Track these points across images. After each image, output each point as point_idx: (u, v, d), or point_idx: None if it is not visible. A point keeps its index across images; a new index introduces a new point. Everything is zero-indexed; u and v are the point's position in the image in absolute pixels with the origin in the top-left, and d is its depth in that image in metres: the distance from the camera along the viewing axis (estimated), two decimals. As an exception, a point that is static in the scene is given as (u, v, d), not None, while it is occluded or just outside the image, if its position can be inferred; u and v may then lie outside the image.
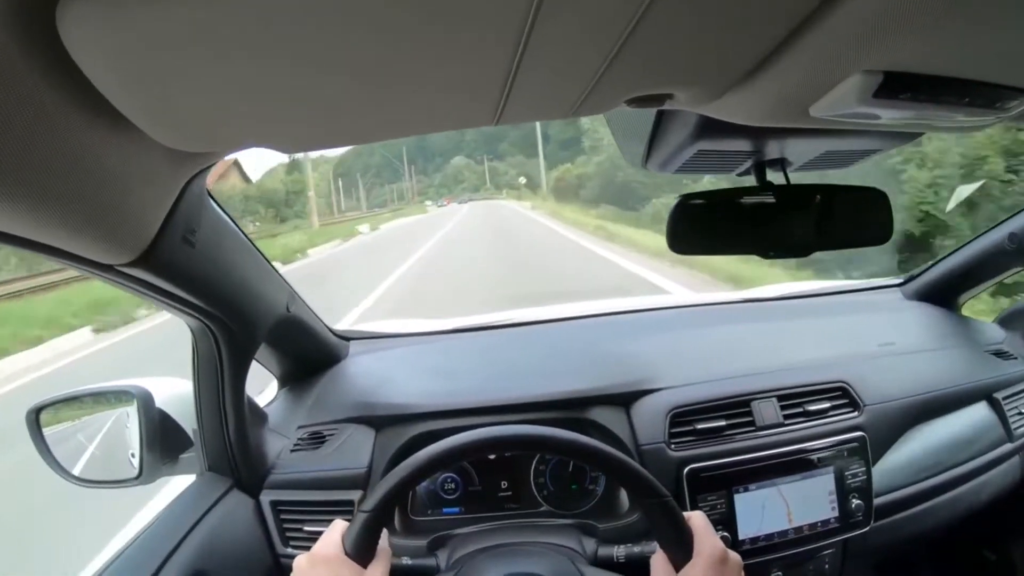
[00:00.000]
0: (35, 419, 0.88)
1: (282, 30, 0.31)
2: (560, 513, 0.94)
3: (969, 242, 1.26)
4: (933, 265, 1.33)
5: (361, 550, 0.59)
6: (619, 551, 0.74)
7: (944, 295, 1.31)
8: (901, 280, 1.40)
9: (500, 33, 0.34)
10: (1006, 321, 1.31)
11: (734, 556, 0.61)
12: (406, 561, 0.74)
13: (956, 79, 0.45)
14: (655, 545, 0.63)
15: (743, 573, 0.61)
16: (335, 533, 0.60)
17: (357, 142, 0.50)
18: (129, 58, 0.33)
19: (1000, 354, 1.19)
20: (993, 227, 1.22)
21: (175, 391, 0.91)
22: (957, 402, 1.09)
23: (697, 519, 0.63)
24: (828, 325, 1.22)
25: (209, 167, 0.56)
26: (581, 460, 0.81)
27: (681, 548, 0.60)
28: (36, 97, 0.34)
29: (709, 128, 0.63)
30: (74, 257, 0.50)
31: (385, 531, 0.62)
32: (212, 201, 0.65)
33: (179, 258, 0.59)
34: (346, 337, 1.21)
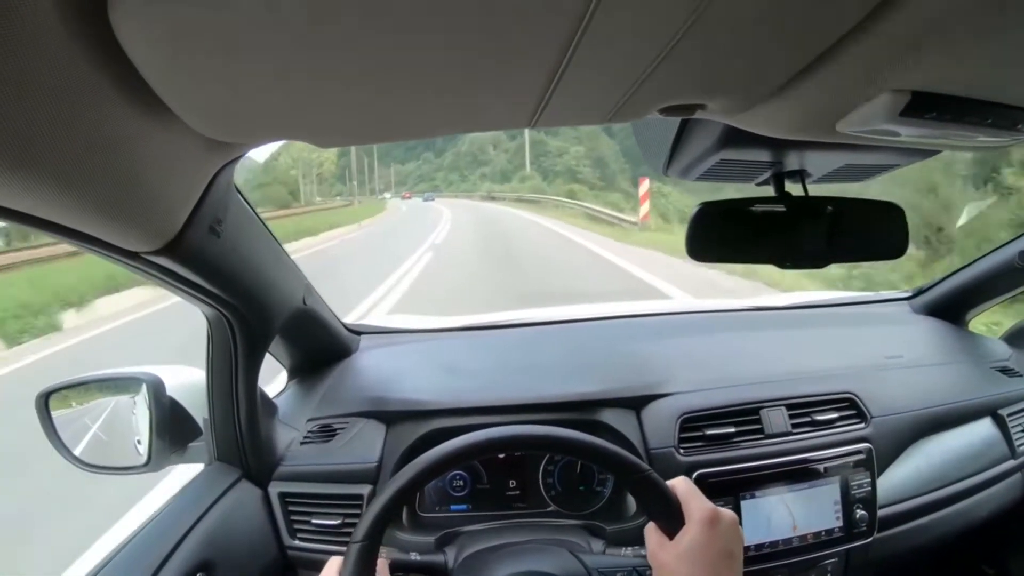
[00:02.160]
0: (44, 404, 0.88)
1: (328, 23, 0.32)
2: (567, 514, 0.94)
3: (979, 259, 1.27)
4: (942, 280, 1.34)
5: None
6: (626, 553, 0.75)
7: (952, 310, 1.32)
8: (909, 294, 1.41)
9: (551, 37, 0.34)
10: (1013, 339, 1.31)
11: (727, 514, 0.60)
12: (414, 557, 0.74)
13: (981, 101, 0.45)
14: None
15: (740, 529, 0.61)
16: (331, 571, 0.60)
17: (392, 139, 0.50)
18: (176, 44, 0.33)
19: (1006, 371, 1.20)
20: (1003, 245, 1.22)
21: (185, 379, 0.91)
22: (962, 417, 1.09)
23: (681, 485, 0.63)
24: (837, 336, 1.23)
25: (239, 157, 0.56)
26: (556, 451, 0.81)
27: (671, 517, 0.60)
28: (80, 81, 0.34)
29: (733, 138, 0.64)
30: (101, 243, 0.50)
31: (381, 559, 0.62)
32: (237, 191, 0.66)
33: (205, 248, 0.59)
34: (357, 331, 1.21)
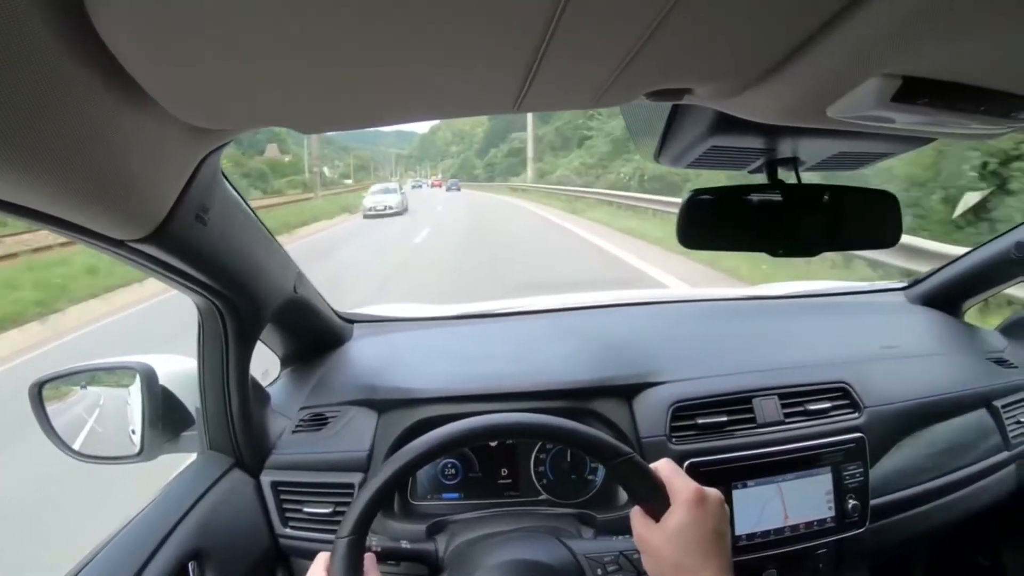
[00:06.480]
0: (37, 393, 0.88)
1: (308, 6, 0.31)
2: (559, 502, 0.94)
3: (975, 249, 1.26)
4: (938, 271, 1.33)
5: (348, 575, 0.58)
6: (615, 540, 0.75)
7: (948, 301, 1.31)
8: (905, 284, 1.40)
9: (531, 16, 0.33)
10: (1008, 330, 1.31)
11: (712, 492, 0.60)
12: (405, 545, 0.74)
13: (973, 87, 0.45)
14: None
15: (726, 507, 0.61)
16: (318, 567, 0.60)
17: (376, 124, 0.50)
18: (153, 30, 0.32)
19: (1001, 362, 1.19)
20: (1000, 235, 1.22)
21: (178, 368, 0.91)
22: (956, 408, 1.09)
23: (664, 467, 0.62)
24: (831, 325, 1.23)
25: (225, 144, 0.55)
26: (539, 438, 0.81)
27: (656, 498, 0.60)
28: (58, 69, 0.33)
29: (724, 124, 0.63)
30: (86, 232, 0.50)
31: (369, 553, 0.62)
32: (224, 179, 0.65)
33: (191, 235, 0.59)
34: (350, 320, 1.21)
